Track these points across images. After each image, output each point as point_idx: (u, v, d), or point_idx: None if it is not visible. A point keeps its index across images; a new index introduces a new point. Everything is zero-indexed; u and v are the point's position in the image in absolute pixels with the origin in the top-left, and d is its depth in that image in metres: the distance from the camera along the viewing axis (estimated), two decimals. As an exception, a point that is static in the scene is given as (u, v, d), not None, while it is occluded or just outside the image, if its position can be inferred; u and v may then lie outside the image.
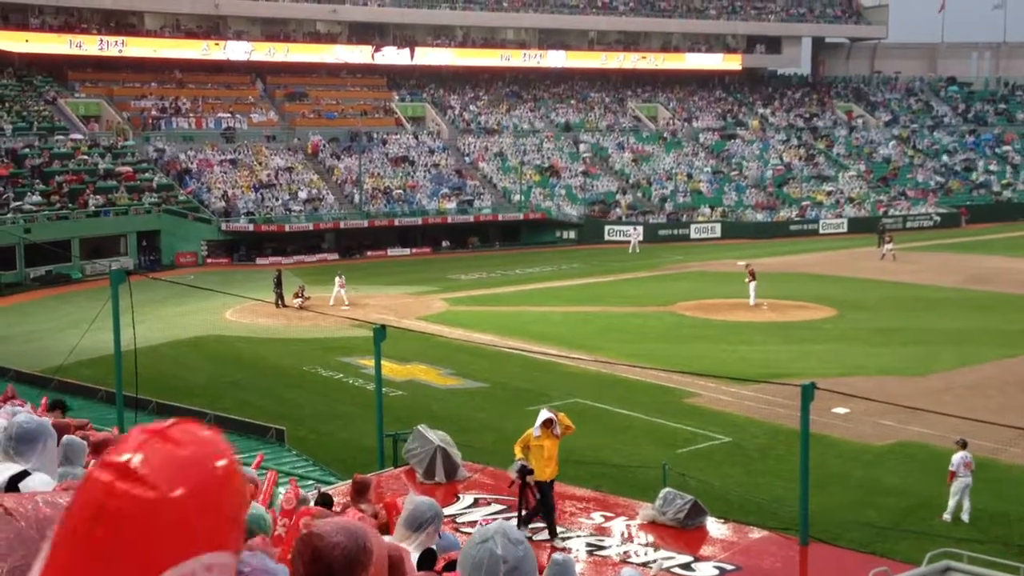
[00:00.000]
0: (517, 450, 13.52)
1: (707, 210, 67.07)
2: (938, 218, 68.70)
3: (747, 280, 38.31)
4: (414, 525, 4.80)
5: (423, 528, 4.79)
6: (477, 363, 29.15)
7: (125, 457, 1.23)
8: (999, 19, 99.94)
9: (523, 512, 13.32)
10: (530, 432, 13.48)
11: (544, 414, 13.56)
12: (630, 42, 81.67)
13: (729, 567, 12.42)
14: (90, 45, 63.02)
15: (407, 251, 58.84)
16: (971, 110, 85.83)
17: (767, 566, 12.64)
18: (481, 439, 20.66)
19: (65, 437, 6.47)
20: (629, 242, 58.57)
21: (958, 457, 17.05)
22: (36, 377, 24.33)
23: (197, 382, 27.63)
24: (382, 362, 16.75)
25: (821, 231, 65.46)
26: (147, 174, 56.84)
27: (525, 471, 13.19)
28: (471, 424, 22.49)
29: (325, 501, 7.83)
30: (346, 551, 2.23)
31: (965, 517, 16.89)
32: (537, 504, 13.26)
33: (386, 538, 4.95)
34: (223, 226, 54.90)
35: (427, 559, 4.46)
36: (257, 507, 6.33)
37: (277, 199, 58.60)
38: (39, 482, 4.04)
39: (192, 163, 60.00)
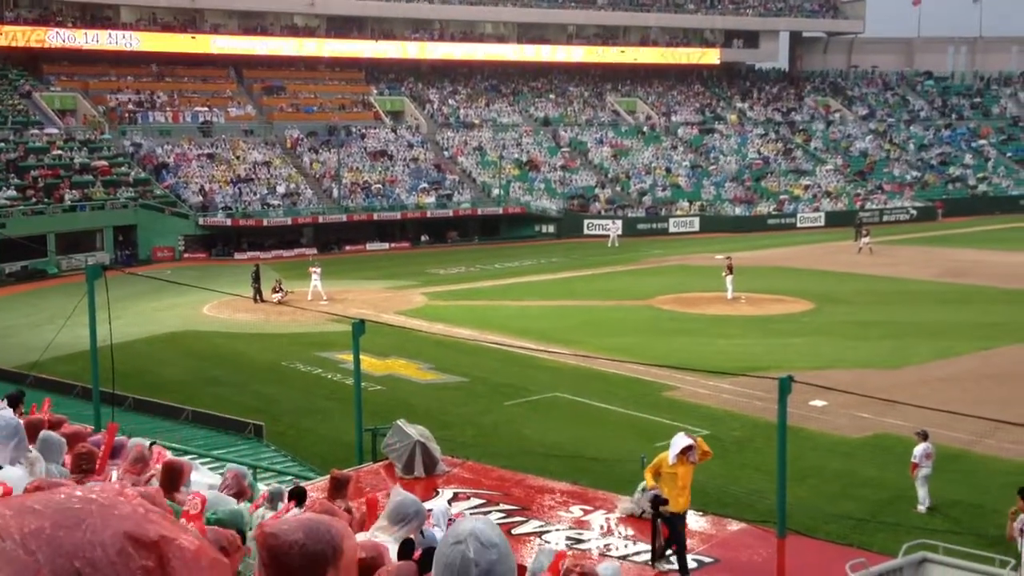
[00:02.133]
0: (648, 477, 12.38)
1: (686, 204, 67.25)
2: (914, 212, 69.16)
3: (724, 274, 38.46)
4: (396, 519, 4.80)
5: (405, 524, 4.78)
6: (456, 358, 29.15)
7: None
8: (975, 14, 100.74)
9: (655, 546, 12.16)
10: (663, 457, 12.31)
11: (682, 440, 12.23)
12: (609, 36, 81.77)
13: (707, 559, 12.47)
14: (66, 37, 62.50)
15: (386, 245, 58.72)
16: (947, 104, 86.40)
17: (745, 559, 12.70)
18: (461, 433, 20.68)
19: (42, 433, 6.42)
20: (608, 236, 58.66)
21: (920, 449, 17.26)
22: (11, 373, 24.14)
23: (175, 378, 27.49)
24: (361, 357, 16.71)
25: (799, 225, 65.77)
26: (123, 168, 56.49)
27: (659, 501, 12.03)
28: (450, 419, 22.49)
29: (299, 495, 7.80)
30: (304, 549, 2.15)
31: (922, 508, 17.09)
32: (670, 536, 12.04)
33: (365, 534, 4.95)
34: (200, 221, 54.62)
35: (405, 549, 4.46)
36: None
37: (255, 193, 58.34)
38: (12, 476, 4.02)
39: (169, 157, 59.65)
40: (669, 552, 12.08)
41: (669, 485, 12.06)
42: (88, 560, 1.13)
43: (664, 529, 12.05)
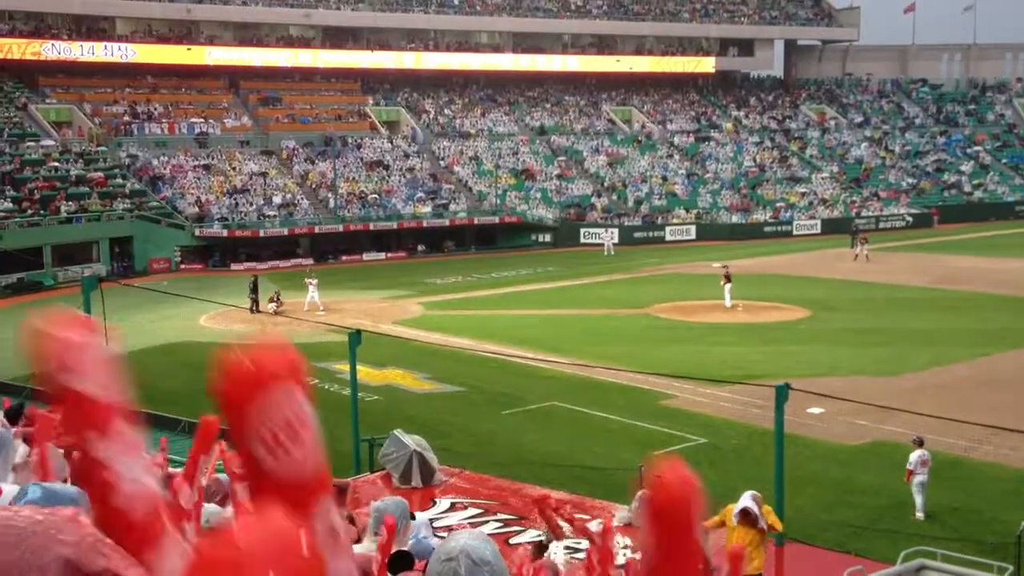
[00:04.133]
0: (711, 521, 11.43)
1: (682, 212, 67.33)
2: (910, 219, 69.24)
3: (722, 283, 38.48)
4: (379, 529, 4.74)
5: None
6: (453, 367, 29.12)
7: None
8: (969, 21, 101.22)
9: None
10: (729, 511, 11.74)
11: (744, 500, 11.43)
12: (604, 45, 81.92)
13: (706, 568, 12.45)
14: (61, 50, 62.56)
15: (382, 255, 58.72)
16: (942, 111, 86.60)
17: (743, 567, 12.69)
18: (458, 443, 20.65)
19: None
20: (604, 245, 58.74)
21: (915, 455, 17.26)
22: (7, 385, 24.08)
23: (171, 389, 27.41)
24: (358, 367, 16.71)
25: (795, 232, 65.83)
26: (119, 180, 56.49)
27: None
28: (447, 428, 22.46)
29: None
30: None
31: (920, 515, 17.09)
32: None
33: (358, 547, 4.93)
34: (196, 232, 54.61)
35: (402, 560, 4.42)
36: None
37: (251, 204, 58.36)
38: (7, 493, 4.00)
39: (165, 169, 59.65)
40: None
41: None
42: None
43: None
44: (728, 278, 38.50)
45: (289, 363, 1.37)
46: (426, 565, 4.01)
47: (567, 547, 12.94)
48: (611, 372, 26.61)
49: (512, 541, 12.79)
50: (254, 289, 38.97)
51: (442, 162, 68.53)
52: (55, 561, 1.09)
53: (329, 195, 60.81)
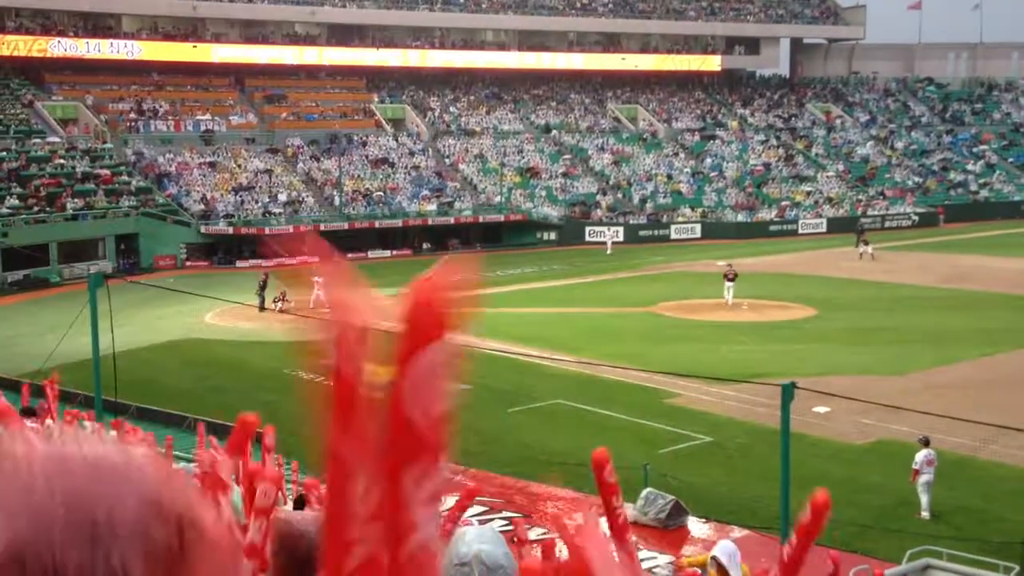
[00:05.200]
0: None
1: (687, 211, 67.27)
2: (916, 218, 69.10)
3: (727, 282, 38.40)
4: None
5: None
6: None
7: None
8: (975, 20, 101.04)
9: None
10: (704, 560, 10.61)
11: (718, 551, 10.61)
12: (609, 43, 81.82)
13: (711, 567, 12.44)
14: (67, 47, 62.66)
15: (388, 253, 58.71)
16: (948, 110, 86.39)
17: (748, 565, 12.67)
18: (463, 441, 20.32)
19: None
20: (607, 243, 58.81)
21: (921, 455, 17.23)
22: (14, 382, 24.14)
23: (177, 386, 27.49)
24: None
25: (800, 231, 65.72)
26: (125, 177, 56.53)
27: None
28: (453, 426, 22.42)
29: (300, 503, 7.74)
30: (314, 542, 2.15)
31: (925, 515, 17.06)
32: None
33: None
34: (202, 229, 54.67)
35: None
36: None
37: (256, 202, 58.40)
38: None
39: (171, 166, 59.72)
40: None
41: None
42: (107, 517, 1.06)
43: None
44: (726, 277, 38.37)
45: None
46: None
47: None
48: (616, 370, 26.62)
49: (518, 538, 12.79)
50: (262, 287, 38.96)
51: (447, 160, 68.52)
52: (140, 501, 1.07)
53: (334, 193, 60.83)
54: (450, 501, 13.24)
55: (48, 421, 6.28)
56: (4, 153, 53.30)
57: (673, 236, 63.71)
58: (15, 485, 0.96)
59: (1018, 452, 19.88)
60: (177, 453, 14.74)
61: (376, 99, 73.03)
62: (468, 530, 2.61)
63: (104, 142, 59.10)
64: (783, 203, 69.05)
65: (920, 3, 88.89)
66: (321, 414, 1.22)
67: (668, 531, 13.39)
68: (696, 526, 13.81)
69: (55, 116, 59.93)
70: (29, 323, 37.09)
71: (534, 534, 13.13)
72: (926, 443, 17.45)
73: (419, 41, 75.17)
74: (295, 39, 71.77)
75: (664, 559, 12.45)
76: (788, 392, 12.29)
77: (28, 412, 9.56)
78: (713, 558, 10.70)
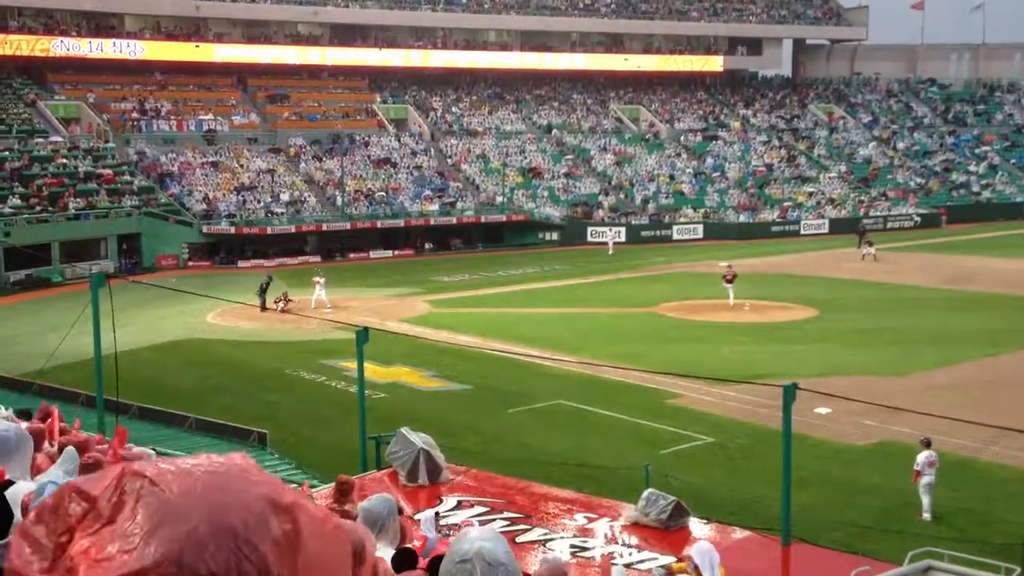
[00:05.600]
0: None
1: (689, 211, 67.26)
2: (918, 218, 69.08)
3: (726, 284, 38.43)
4: (375, 528, 4.64)
5: (384, 527, 4.64)
6: (460, 365, 29.13)
7: None
8: (978, 21, 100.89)
9: None
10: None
11: (693, 551, 10.03)
12: (612, 44, 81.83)
13: (712, 567, 12.43)
14: (70, 46, 62.71)
15: (389, 253, 58.75)
16: (950, 111, 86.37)
17: (749, 566, 12.66)
18: (464, 441, 20.66)
19: (67, 449, 6.40)
20: (608, 243, 58.86)
21: (923, 456, 17.23)
22: (16, 381, 24.19)
23: (179, 386, 27.51)
24: (365, 364, 16.71)
25: (802, 232, 65.72)
26: (127, 177, 56.57)
27: None
28: (454, 426, 22.47)
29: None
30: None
31: (927, 516, 17.05)
32: None
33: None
34: (204, 229, 54.70)
35: (406, 558, 4.35)
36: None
37: (259, 201, 58.42)
38: (24, 490, 4.01)
39: (173, 165, 59.75)
40: None
41: None
42: (241, 518, 1.25)
43: None
44: (730, 279, 38.38)
45: None
46: (431, 563, 4.00)
47: (572, 545, 12.95)
48: (618, 371, 26.62)
49: (519, 540, 12.79)
50: (263, 290, 38.97)
51: (449, 160, 68.54)
52: (256, 498, 1.26)
53: (336, 193, 60.85)
54: (450, 502, 13.11)
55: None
56: (7, 152, 53.33)
57: (675, 237, 63.72)
58: (164, 506, 1.13)
59: (1020, 453, 19.87)
60: (178, 453, 14.76)
61: (378, 99, 73.05)
62: (470, 529, 2.64)
63: (106, 141, 59.13)
64: (785, 204, 69.04)
65: (923, 3, 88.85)
66: None
67: (669, 532, 13.38)
68: (697, 527, 13.80)
69: (57, 115, 59.97)
70: (31, 323, 37.13)
71: (535, 535, 13.14)
72: (927, 444, 17.45)
73: (421, 41, 75.19)
74: (297, 39, 71.80)
75: (665, 559, 12.46)
76: (790, 393, 12.28)
77: (23, 414, 9.56)
78: (688, 557, 10.80)
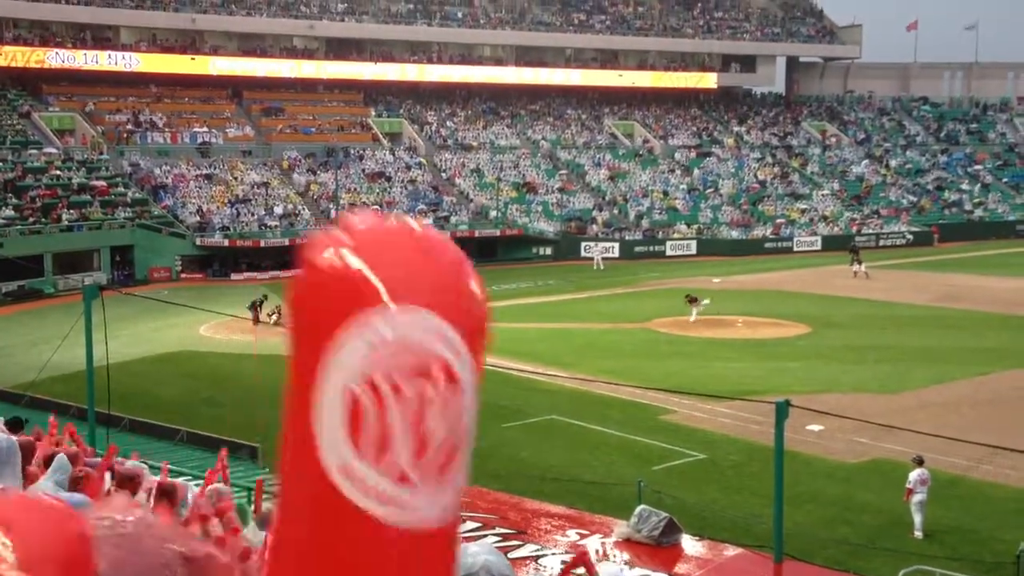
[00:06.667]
0: None
1: (683, 227, 67.37)
2: (911, 236, 69.25)
3: (692, 304, 38.30)
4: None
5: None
6: (453, 379, 29.01)
7: None
8: (970, 40, 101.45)
9: None
10: None
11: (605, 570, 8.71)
12: (607, 60, 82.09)
13: (704, 584, 12.42)
14: (65, 58, 62.73)
15: (383, 267, 58.65)
16: (943, 129, 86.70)
17: None
18: (456, 456, 20.56)
19: (59, 457, 6.37)
20: (602, 258, 58.97)
21: (915, 474, 17.23)
22: (7, 393, 24.09)
23: (170, 398, 27.43)
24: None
25: (795, 249, 65.84)
26: (121, 189, 56.52)
27: None
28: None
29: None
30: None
31: (919, 534, 17.04)
32: None
33: None
34: (198, 241, 54.63)
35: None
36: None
37: (253, 214, 58.39)
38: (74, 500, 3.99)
39: (167, 178, 59.72)
40: None
41: None
42: (167, 561, 1.31)
43: None
44: (694, 300, 38.38)
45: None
46: None
47: (563, 562, 12.90)
48: (611, 387, 26.58)
49: (511, 556, 12.74)
50: (253, 306, 38.55)
51: (444, 174, 68.60)
52: (174, 557, 1.30)
53: (331, 206, 60.84)
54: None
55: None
56: (0, 164, 53.27)
57: (668, 252, 63.79)
58: (110, 540, 1.24)
59: (1011, 472, 19.88)
60: (172, 467, 14.69)
61: (373, 113, 73.14)
62: (471, 544, 2.63)
63: (100, 153, 59.11)
64: (778, 220, 69.18)
65: (917, 23, 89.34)
66: None
67: (661, 548, 13.35)
68: (690, 544, 13.78)
69: (52, 127, 59.94)
70: (23, 334, 37.00)
71: (527, 551, 13.10)
72: (920, 462, 17.46)
73: (417, 56, 75.35)
74: (293, 52, 71.90)
75: (657, 576, 12.44)
76: (782, 410, 12.29)
77: (15, 423, 9.53)
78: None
